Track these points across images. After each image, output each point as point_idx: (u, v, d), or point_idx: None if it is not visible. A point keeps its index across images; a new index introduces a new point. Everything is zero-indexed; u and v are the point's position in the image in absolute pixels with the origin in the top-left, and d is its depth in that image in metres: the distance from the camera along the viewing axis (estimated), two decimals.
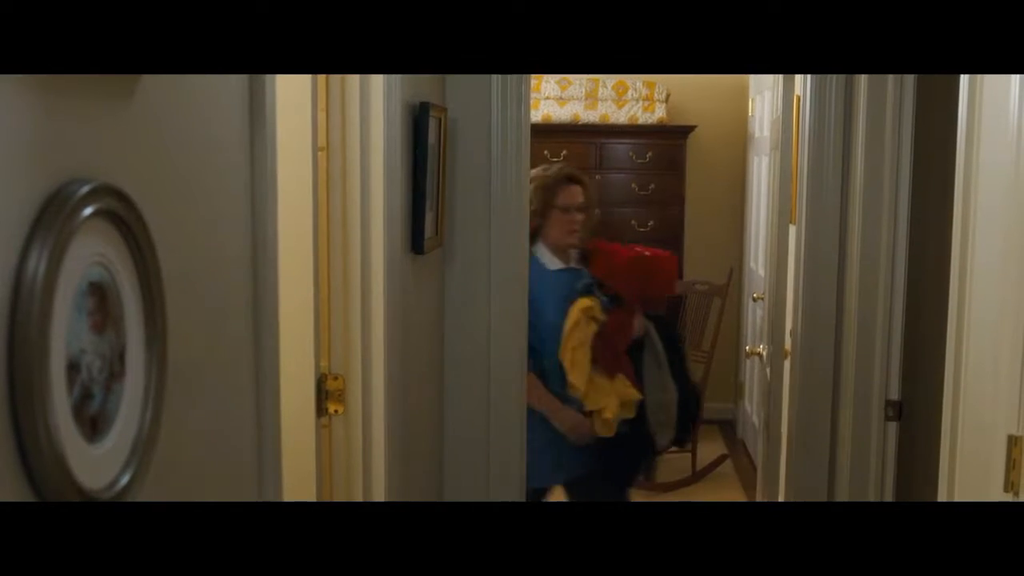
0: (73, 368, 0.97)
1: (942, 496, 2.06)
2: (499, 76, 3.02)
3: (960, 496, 2.00)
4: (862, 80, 2.96)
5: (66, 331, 0.95)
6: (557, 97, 6.10)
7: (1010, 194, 1.81)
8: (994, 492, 1.82)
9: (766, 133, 5.00)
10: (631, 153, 6.08)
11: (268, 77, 1.52)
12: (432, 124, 2.67)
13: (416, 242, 2.63)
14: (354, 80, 2.28)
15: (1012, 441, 1.78)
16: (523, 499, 3.20)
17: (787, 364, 3.53)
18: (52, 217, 0.93)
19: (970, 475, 1.98)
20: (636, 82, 6.06)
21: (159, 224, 1.12)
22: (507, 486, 3.15)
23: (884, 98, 2.94)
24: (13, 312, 0.88)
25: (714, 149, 6.35)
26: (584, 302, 3.19)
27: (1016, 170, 1.79)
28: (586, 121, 6.07)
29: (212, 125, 1.35)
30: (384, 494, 2.41)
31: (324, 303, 2.30)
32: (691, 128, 6.12)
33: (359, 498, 2.42)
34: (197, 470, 1.31)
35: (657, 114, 6.07)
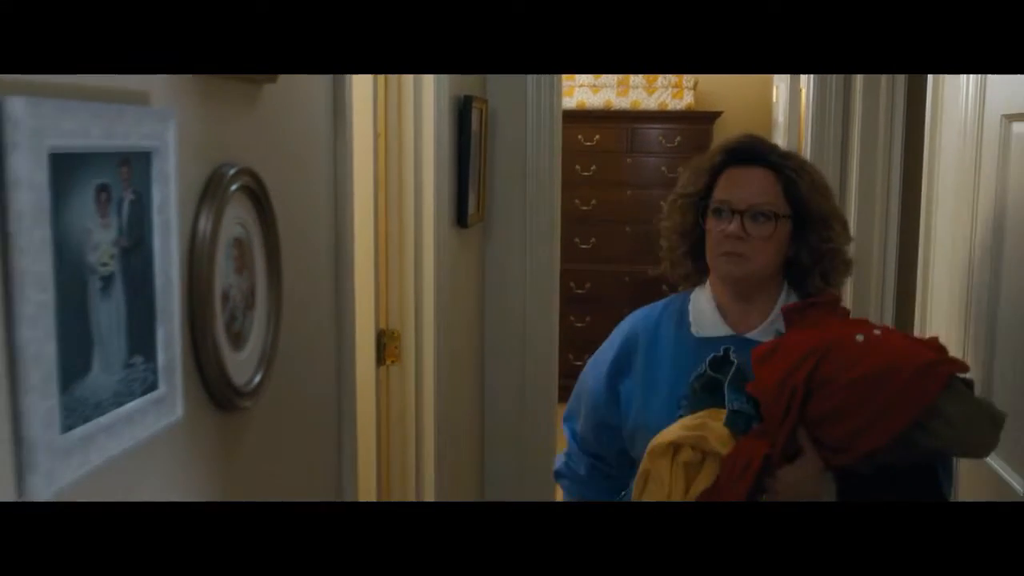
0: (225, 297, 1.36)
1: None
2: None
3: None
4: (858, 76, 3.30)
5: (221, 271, 1.34)
6: (590, 85, 6.45)
7: (960, 172, 2.17)
8: None
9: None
10: (660, 137, 6.42)
11: (347, 78, 1.90)
12: (474, 114, 3.05)
13: (461, 217, 3.02)
14: (408, 76, 2.67)
15: None
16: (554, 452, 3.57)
17: None
18: (212, 191, 1.32)
19: None
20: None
21: (278, 197, 1.52)
22: (540, 435, 3.55)
23: (878, 93, 3.28)
24: (191, 256, 1.28)
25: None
26: (687, 429, 1.64)
27: (964, 156, 2.15)
28: (618, 107, 6.42)
29: (310, 119, 1.74)
30: (433, 432, 2.80)
31: (383, 268, 2.69)
32: (717, 114, 6.44)
33: (411, 434, 2.82)
34: (299, 380, 1.70)
35: (685, 100, 6.41)
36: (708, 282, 1.85)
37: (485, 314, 3.52)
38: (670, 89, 6.42)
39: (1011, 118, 1.94)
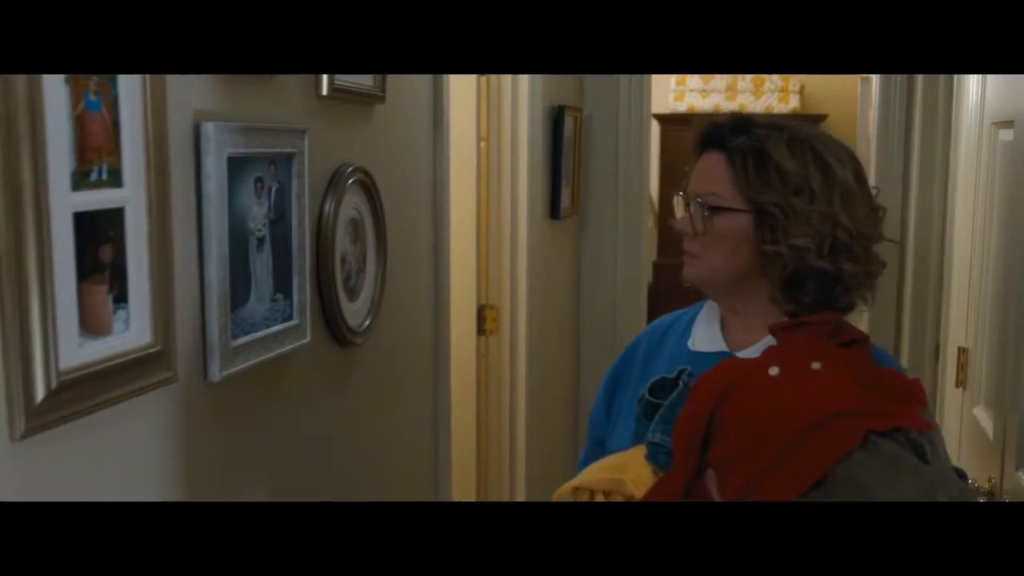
0: (343, 261, 1.86)
1: None
2: (625, 80, 3.84)
3: None
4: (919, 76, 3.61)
5: (340, 242, 1.85)
6: (700, 89, 6.84)
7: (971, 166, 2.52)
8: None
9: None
10: None
11: (446, 86, 2.39)
12: (568, 121, 3.52)
13: (554, 210, 3.49)
14: (507, 87, 3.16)
15: (961, 352, 2.50)
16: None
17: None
18: (336, 183, 1.82)
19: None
20: (772, 75, 6.72)
21: (385, 189, 2.02)
22: None
23: (936, 91, 3.58)
24: (318, 230, 1.78)
25: (846, 136, 6.92)
26: (603, 471, 1.48)
27: (973, 150, 2.50)
28: (726, 111, 6.77)
29: (413, 129, 2.24)
30: (524, 391, 3.28)
31: (483, 250, 3.18)
32: (822, 117, 6.73)
33: (506, 401, 3.30)
34: (401, 331, 2.20)
35: (791, 104, 6.72)
36: None
37: (580, 299, 3.98)
38: (776, 93, 6.74)
39: (999, 125, 2.28)
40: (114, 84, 1.20)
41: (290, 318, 1.64)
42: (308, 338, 1.69)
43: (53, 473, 1.15)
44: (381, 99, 1.99)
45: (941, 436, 1.36)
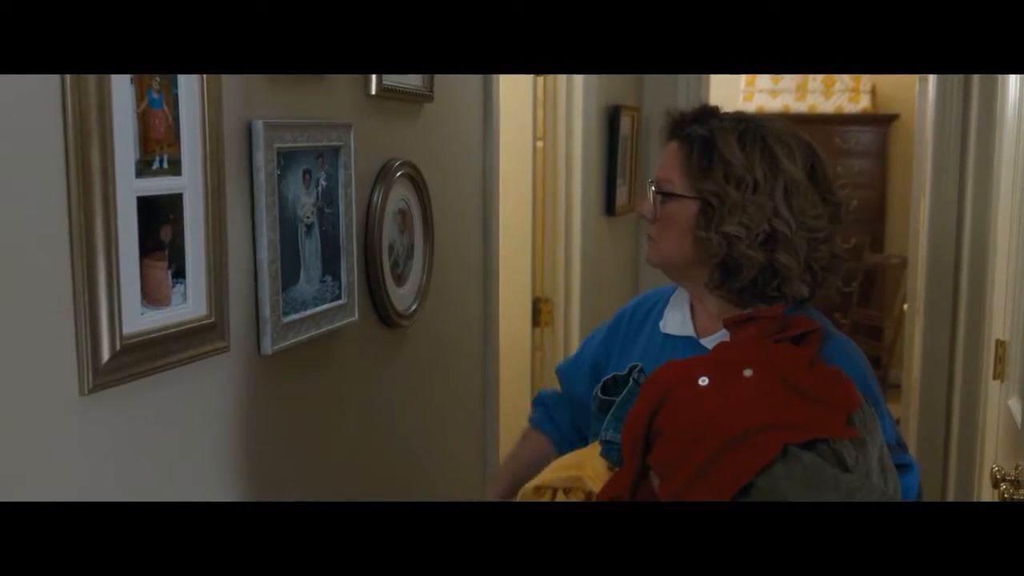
0: (391, 249, 2.00)
1: None
2: (683, 80, 3.93)
3: None
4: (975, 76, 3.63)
5: (388, 231, 1.99)
6: (770, 90, 6.86)
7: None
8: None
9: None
10: (837, 139, 6.74)
11: (496, 86, 2.52)
12: (624, 121, 3.62)
13: (609, 207, 3.60)
14: (561, 88, 3.28)
15: (998, 344, 2.54)
16: None
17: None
18: (384, 176, 1.97)
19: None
20: (843, 74, 6.71)
21: (431, 181, 2.15)
22: None
23: (995, 90, 3.60)
24: (367, 219, 1.92)
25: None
26: (562, 469, 1.55)
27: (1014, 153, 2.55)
28: (796, 111, 6.79)
29: (463, 126, 2.37)
30: None
31: (539, 245, 3.31)
32: (894, 117, 6.70)
33: None
34: (449, 315, 2.34)
35: (861, 104, 6.71)
36: None
37: (639, 292, 4.07)
38: (847, 93, 6.73)
39: None
40: (175, 83, 1.36)
41: (338, 298, 1.79)
42: (355, 316, 1.84)
43: (118, 428, 1.30)
44: (429, 98, 2.13)
45: (877, 438, 1.37)
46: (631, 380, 1.52)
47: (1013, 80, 2.54)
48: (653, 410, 1.36)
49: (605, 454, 1.48)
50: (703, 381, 1.36)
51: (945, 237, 3.82)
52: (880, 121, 6.73)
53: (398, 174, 2.00)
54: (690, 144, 1.51)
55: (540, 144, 3.31)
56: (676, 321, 1.61)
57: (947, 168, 3.80)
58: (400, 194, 2.04)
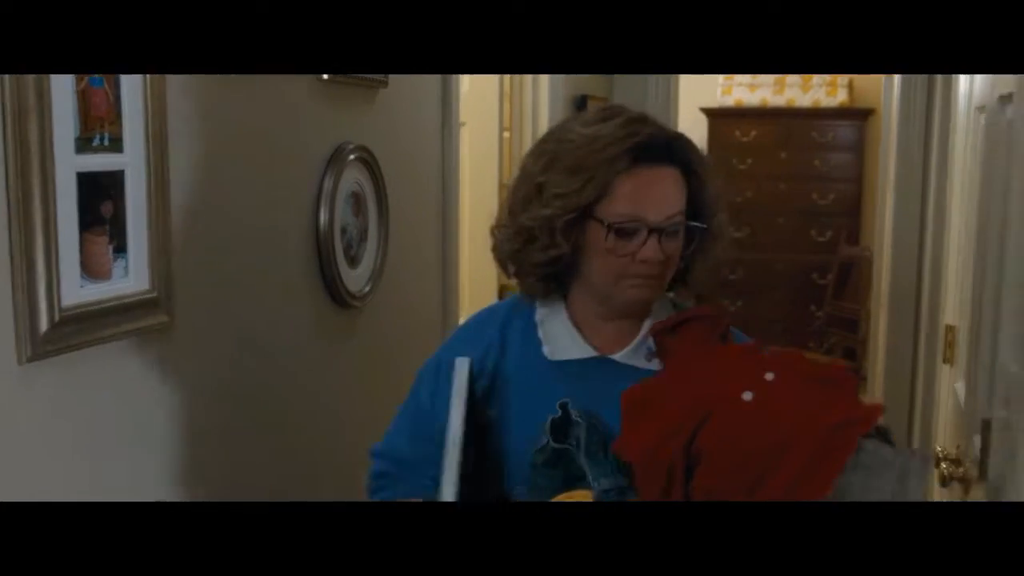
0: (344, 231, 2.04)
1: None
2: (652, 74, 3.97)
3: None
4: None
5: (341, 214, 2.03)
6: (748, 84, 6.90)
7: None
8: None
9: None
10: (813, 133, 6.79)
11: (454, 77, 2.56)
12: None
13: None
14: (528, 79, 3.32)
15: (948, 329, 2.60)
16: None
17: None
18: (336, 160, 2.01)
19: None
20: None
21: (386, 164, 2.19)
22: None
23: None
24: (317, 205, 1.96)
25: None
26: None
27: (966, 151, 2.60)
28: (774, 105, 6.84)
29: (419, 112, 2.41)
30: None
31: None
32: (870, 111, 6.75)
33: None
34: (404, 298, 2.38)
35: (839, 98, 6.76)
36: (568, 300, 1.44)
37: None
38: (825, 87, 6.78)
39: (980, 110, 2.38)
40: None
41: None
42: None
43: (58, 397, 1.34)
44: (384, 83, 2.17)
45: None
46: (580, 420, 1.30)
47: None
48: (692, 434, 1.23)
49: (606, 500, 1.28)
50: (747, 396, 1.25)
51: (909, 230, 3.88)
52: (856, 115, 6.78)
53: (351, 157, 2.04)
54: (698, 172, 1.37)
55: (507, 135, 3.35)
56: (566, 344, 1.41)
57: (911, 162, 3.86)
58: (354, 177, 2.08)
